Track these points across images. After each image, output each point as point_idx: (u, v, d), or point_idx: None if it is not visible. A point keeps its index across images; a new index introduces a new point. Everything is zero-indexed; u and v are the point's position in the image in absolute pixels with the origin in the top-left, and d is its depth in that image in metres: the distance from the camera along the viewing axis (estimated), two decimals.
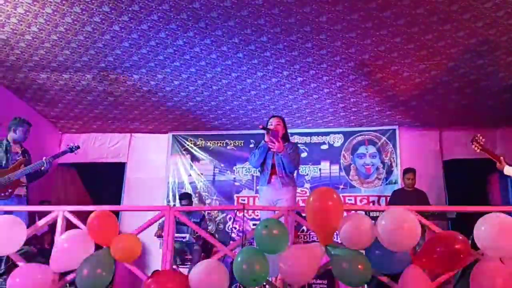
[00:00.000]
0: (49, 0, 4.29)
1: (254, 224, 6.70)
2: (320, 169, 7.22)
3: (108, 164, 7.65)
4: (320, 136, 7.35)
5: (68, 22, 4.64)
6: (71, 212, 3.60)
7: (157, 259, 5.70)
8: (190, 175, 7.48)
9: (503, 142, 6.76)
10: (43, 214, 3.74)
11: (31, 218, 4.87)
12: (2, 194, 4.50)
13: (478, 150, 4.54)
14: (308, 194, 6.92)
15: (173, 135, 7.65)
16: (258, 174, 4.52)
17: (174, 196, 7.35)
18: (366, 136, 7.22)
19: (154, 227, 5.98)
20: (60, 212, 3.58)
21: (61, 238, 3.38)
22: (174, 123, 7.33)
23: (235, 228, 6.93)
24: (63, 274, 3.43)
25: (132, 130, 7.67)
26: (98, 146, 7.71)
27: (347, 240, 2.96)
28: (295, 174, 4.55)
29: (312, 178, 7.19)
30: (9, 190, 4.56)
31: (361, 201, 6.97)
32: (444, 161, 6.97)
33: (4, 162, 4.66)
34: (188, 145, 7.61)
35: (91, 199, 7.85)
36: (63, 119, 7.28)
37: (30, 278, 3.18)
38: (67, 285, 3.61)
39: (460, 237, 2.88)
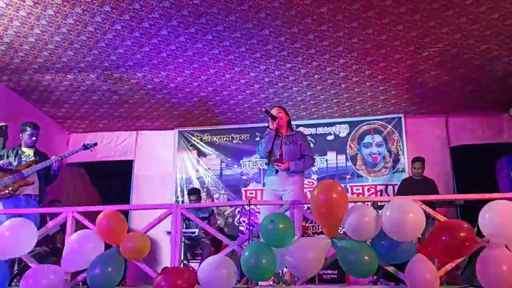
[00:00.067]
0: (50, 2, 4.32)
1: None
2: (326, 160, 7.23)
3: (116, 162, 7.72)
4: (326, 127, 7.35)
5: (70, 23, 4.66)
6: (80, 212, 3.65)
7: (168, 254, 5.76)
8: (197, 170, 7.53)
9: (510, 126, 6.72)
10: (53, 215, 3.80)
11: (42, 218, 4.94)
12: (2, 194, 4.51)
13: None
14: (315, 185, 6.93)
15: (179, 131, 7.70)
16: (265, 167, 4.54)
17: (182, 191, 7.41)
18: (372, 125, 7.20)
19: (164, 223, 6.03)
20: (69, 213, 3.63)
21: (71, 239, 3.44)
22: (180, 119, 7.37)
23: (244, 222, 6.97)
24: (74, 274, 3.49)
25: (138, 128, 7.73)
26: (105, 145, 7.76)
27: (353, 231, 2.98)
28: None
29: (319, 169, 7.21)
30: (10, 189, 4.56)
31: (368, 190, 6.97)
32: (451, 147, 6.94)
33: (15, 164, 4.71)
34: (194, 140, 7.65)
35: (101, 197, 7.93)
36: (69, 119, 7.35)
37: (43, 279, 3.24)
38: (80, 284, 3.67)
39: (465, 225, 2.88)
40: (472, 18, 4.60)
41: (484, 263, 2.87)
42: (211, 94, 6.44)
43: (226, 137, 7.59)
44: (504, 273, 2.75)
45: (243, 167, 7.43)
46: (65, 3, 4.34)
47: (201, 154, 7.60)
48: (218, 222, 6.86)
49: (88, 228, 3.57)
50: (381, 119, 7.17)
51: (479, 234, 3.02)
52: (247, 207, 3.56)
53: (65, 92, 6.29)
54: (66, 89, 6.21)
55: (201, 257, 5.98)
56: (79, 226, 3.69)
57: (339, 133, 7.30)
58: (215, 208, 6.70)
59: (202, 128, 7.64)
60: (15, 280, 4.63)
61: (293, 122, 4.80)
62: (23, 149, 4.87)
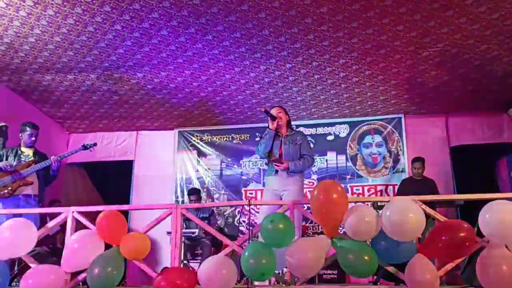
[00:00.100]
0: (50, 2, 4.32)
1: None
2: (326, 160, 7.23)
3: (116, 162, 7.73)
4: (326, 127, 7.35)
5: (70, 23, 4.66)
6: (80, 212, 3.65)
7: (168, 254, 5.76)
8: (197, 170, 7.53)
9: (510, 126, 6.72)
10: (53, 214, 3.80)
11: (42, 218, 4.94)
12: (1, 193, 4.51)
13: None
14: (315, 185, 6.93)
15: (179, 131, 7.70)
16: (265, 167, 4.53)
17: (182, 192, 7.42)
18: (372, 126, 7.20)
19: (164, 223, 6.03)
20: (69, 213, 3.63)
21: (71, 239, 3.44)
22: (180, 120, 7.37)
23: (244, 222, 6.97)
24: (74, 274, 3.49)
25: (138, 128, 7.73)
26: (105, 145, 7.77)
27: (353, 231, 2.99)
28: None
29: (319, 169, 7.21)
30: (9, 188, 4.56)
31: (368, 190, 6.98)
32: (451, 147, 6.94)
33: (14, 164, 4.72)
34: (194, 140, 7.65)
35: (101, 197, 7.93)
36: (69, 119, 7.35)
37: (43, 279, 3.24)
38: (80, 284, 3.67)
39: (465, 225, 2.89)
40: (472, 18, 4.60)
41: (484, 263, 2.87)
42: (211, 94, 6.44)
43: (226, 137, 7.59)
44: (504, 273, 2.75)
45: (243, 167, 7.44)
46: (65, 3, 4.35)
47: (201, 154, 7.61)
48: (218, 222, 6.86)
49: (88, 228, 3.57)
50: (381, 119, 7.17)
51: (479, 234, 3.01)
52: (247, 207, 3.56)
53: (65, 92, 6.30)
54: (66, 89, 6.22)
55: (201, 257, 5.99)
56: (79, 226, 3.69)
57: (339, 133, 7.30)
58: (215, 208, 6.71)
59: (202, 128, 7.64)
60: (15, 280, 4.63)
61: (293, 122, 4.80)
62: (23, 149, 4.87)
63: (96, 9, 4.44)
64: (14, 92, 6.24)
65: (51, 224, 3.78)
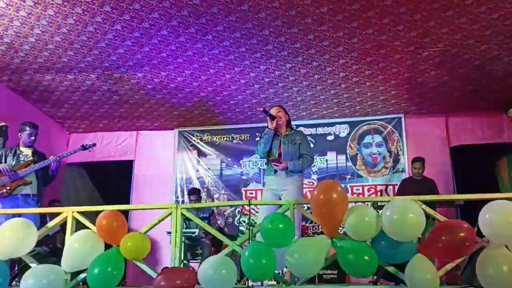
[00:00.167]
0: (50, 2, 4.32)
1: None
2: (326, 160, 7.23)
3: (116, 162, 7.73)
4: (326, 127, 7.35)
5: (70, 23, 4.66)
6: (80, 212, 3.65)
7: (168, 254, 5.77)
8: (197, 170, 7.53)
9: (510, 126, 6.72)
10: (53, 214, 3.80)
11: (42, 218, 4.94)
12: (0, 193, 4.51)
13: None
14: (315, 185, 6.93)
15: (179, 131, 7.70)
16: (265, 167, 4.52)
17: (182, 192, 7.42)
18: (372, 125, 7.20)
19: (164, 223, 6.03)
20: (69, 213, 3.63)
21: (71, 239, 3.44)
22: (180, 119, 7.37)
23: (244, 222, 6.97)
24: (74, 274, 3.49)
25: (138, 128, 7.73)
26: (105, 145, 7.77)
27: (353, 231, 2.99)
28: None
29: (319, 169, 7.21)
30: (7, 188, 4.55)
31: (368, 190, 6.98)
32: (451, 147, 6.94)
33: (13, 164, 4.72)
34: (194, 140, 7.65)
35: (101, 197, 7.94)
36: (70, 119, 7.35)
37: (43, 279, 3.24)
38: (80, 284, 3.67)
39: (465, 225, 2.89)
40: (472, 18, 4.60)
41: (484, 263, 2.87)
42: (211, 94, 6.44)
43: (226, 137, 7.59)
44: (504, 273, 2.75)
45: (243, 167, 7.44)
46: (65, 3, 4.35)
47: (201, 154, 7.61)
48: (218, 222, 6.86)
49: (88, 228, 3.57)
50: (381, 119, 7.17)
51: (479, 234, 3.02)
52: (247, 207, 3.56)
53: (65, 92, 6.30)
54: (66, 89, 6.22)
55: (201, 257, 5.99)
56: (79, 226, 3.69)
57: (339, 133, 7.30)
58: (215, 208, 6.71)
59: (202, 128, 7.65)
60: (15, 280, 4.63)
61: (293, 122, 4.79)
62: (21, 148, 4.87)
63: (96, 9, 4.44)
64: (14, 92, 6.24)
65: (51, 224, 3.78)
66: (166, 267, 3.64)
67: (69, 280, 3.43)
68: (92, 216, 3.62)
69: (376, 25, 4.72)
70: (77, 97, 6.48)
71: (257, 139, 7.08)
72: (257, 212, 5.44)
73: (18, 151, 4.82)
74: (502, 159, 6.49)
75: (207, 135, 7.63)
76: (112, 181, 7.67)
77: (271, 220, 3.04)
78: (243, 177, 7.40)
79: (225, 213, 7.21)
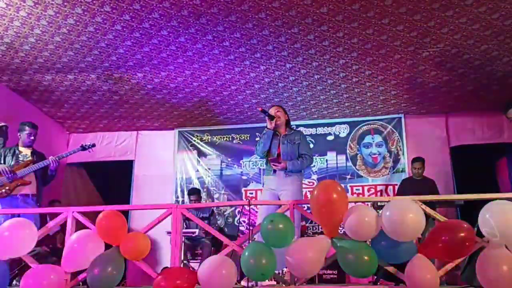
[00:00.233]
0: (50, 2, 4.32)
1: None
2: (326, 160, 7.23)
3: (116, 162, 7.74)
4: (326, 127, 7.36)
5: (70, 23, 4.67)
6: (80, 212, 3.65)
7: (168, 255, 5.77)
8: (197, 170, 7.53)
9: (510, 126, 6.72)
10: (53, 214, 3.80)
11: (42, 218, 4.94)
12: None
13: None
14: (315, 185, 6.92)
15: (179, 131, 7.71)
16: (265, 166, 4.51)
17: (182, 192, 7.42)
18: (372, 126, 7.21)
19: (164, 223, 6.04)
20: (69, 213, 3.63)
21: (71, 239, 3.44)
22: (180, 120, 7.38)
23: (244, 222, 6.98)
24: (74, 274, 3.49)
25: (138, 128, 7.74)
26: (105, 145, 7.79)
27: (353, 231, 2.99)
28: None
29: (319, 169, 7.21)
30: (6, 188, 4.55)
31: (368, 190, 6.98)
32: (451, 147, 6.94)
33: (12, 164, 4.72)
34: (194, 140, 7.65)
35: (101, 197, 7.94)
36: (70, 119, 7.35)
37: (43, 279, 3.24)
38: (80, 284, 3.67)
39: (465, 225, 2.89)
40: (472, 18, 4.60)
41: (484, 263, 2.87)
42: (211, 94, 6.44)
43: (226, 137, 7.60)
44: (504, 273, 2.75)
45: (243, 167, 7.44)
46: (65, 4, 4.35)
47: (201, 154, 7.61)
48: (218, 222, 6.86)
49: (88, 228, 3.57)
50: (381, 119, 7.18)
51: (479, 234, 3.02)
52: (247, 207, 3.56)
53: (66, 92, 6.30)
54: (66, 89, 6.22)
55: (201, 257, 5.99)
56: (79, 226, 3.69)
57: (339, 133, 7.30)
58: (215, 208, 6.71)
59: (202, 128, 7.65)
60: (15, 280, 4.63)
61: (293, 122, 4.80)
62: (21, 148, 4.87)
63: (96, 9, 4.44)
64: (14, 92, 6.24)
65: (51, 224, 3.78)
66: (166, 267, 3.65)
67: (69, 280, 3.43)
68: (92, 216, 3.62)
69: (376, 25, 4.73)
70: (77, 97, 6.48)
71: (257, 139, 7.08)
72: (257, 212, 5.45)
73: (17, 151, 4.82)
74: (502, 159, 6.49)
75: (207, 135, 7.64)
76: (112, 181, 7.67)
77: (271, 220, 3.04)
78: (243, 177, 7.41)
79: (225, 213, 7.22)
